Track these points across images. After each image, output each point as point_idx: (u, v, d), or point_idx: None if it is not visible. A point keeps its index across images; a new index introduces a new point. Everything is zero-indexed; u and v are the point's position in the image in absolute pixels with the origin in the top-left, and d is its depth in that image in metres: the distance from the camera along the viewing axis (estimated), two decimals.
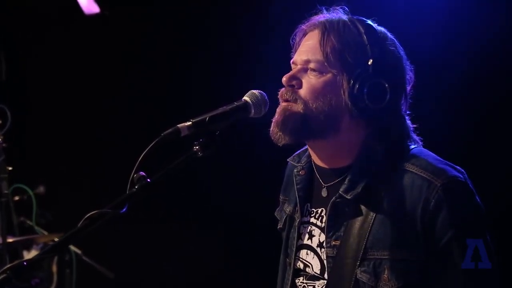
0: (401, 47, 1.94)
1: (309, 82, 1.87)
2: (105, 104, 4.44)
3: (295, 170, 2.03)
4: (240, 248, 4.10)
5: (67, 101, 4.52)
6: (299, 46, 1.95)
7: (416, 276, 1.75)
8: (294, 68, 1.93)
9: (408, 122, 1.94)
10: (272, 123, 1.91)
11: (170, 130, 1.77)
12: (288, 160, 2.14)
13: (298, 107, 1.86)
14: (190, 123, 1.78)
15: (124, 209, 1.71)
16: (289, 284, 1.99)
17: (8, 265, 1.61)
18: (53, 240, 3.84)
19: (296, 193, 1.99)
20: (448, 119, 3.25)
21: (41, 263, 3.77)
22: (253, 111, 1.86)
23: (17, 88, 4.61)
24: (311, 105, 1.85)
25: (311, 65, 1.88)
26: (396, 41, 1.94)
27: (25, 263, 1.62)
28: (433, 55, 3.14)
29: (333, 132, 1.87)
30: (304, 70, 1.90)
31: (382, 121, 1.86)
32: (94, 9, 4.22)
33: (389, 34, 1.94)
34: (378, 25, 1.94)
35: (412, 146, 1.89)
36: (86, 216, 1.69)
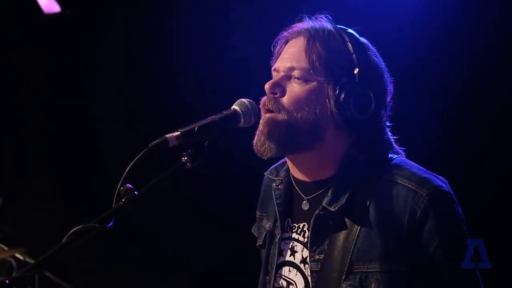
0: (381, 59, 1.93)
1: (293, 90, 1.83)
2: (68, 110, 4.33)
3: (274, 184, 1.97)
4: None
5: (25, 109, 4.39)
6: (280, 53, 1.92)
7: (403, 287, 1.74)
8: (277, 76, 1.88)
9: (389, 133, 1.93)
10: (256, 135, 1.86)
11: (157, 140, 1.72)
12: (265, 173, 2.10)
13: (282, 117, 1.82)
14: (179, 133, 1.73)
15: (111, 224, 1.65)
16: None
17: None
18: (12, 256, 3.70)
19: (276, 208, 1.94)
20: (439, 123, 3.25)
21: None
22: (242, 120, 1.82)
23: None
24: (295, 114, 1.81)
25: (295, 73, 1.84)
26: (377, 53, 1.93)
27: (7, 281, 1.55)
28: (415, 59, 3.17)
29: (318, 142, 1.83)
30: (287, 77, 1.85)
31: (365, 131, 1.84)
32: (55, 8, 4.06)
33: (371, 46, 1.93)
34: (360, 35, 1.93)
35: (394, 156, 1.88)
36: (71, 231, 1.62)
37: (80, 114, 4.33)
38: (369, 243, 1.76)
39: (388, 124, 1.92)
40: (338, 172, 1.84)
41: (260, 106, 1.87)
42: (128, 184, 1.67)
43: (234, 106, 1.83)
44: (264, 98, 1.87)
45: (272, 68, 1.92)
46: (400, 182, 1.78)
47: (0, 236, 3.96)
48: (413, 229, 1.74)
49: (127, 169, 1.68)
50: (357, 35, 1.91)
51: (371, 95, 1.81)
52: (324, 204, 1.82)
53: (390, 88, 1.92)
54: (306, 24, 1.92)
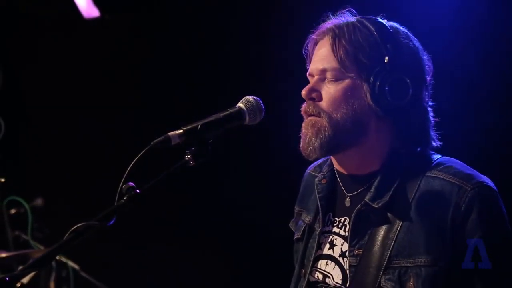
0: (415, 38, 1.90)
1: (329, 92, 1.84)
2: (102, 113, 4.38)
3: (317, 180, 1.99)
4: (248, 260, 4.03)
5: (63, 110, 4.46)
6: (312, 56, 1.93)
7: (442, 281, 1.73)
8: (311, 80, 1.90)
9: (431, 115, 1.90)
10: (301, 139, 1.88)
11: (160, 138, 1.71)
12: (308, 170, 2.13)
13: (324, 121, 1.83)
14: (182, 131, 1.72)
15: (112, 221, 1.65)
16: None
17: None
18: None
19: (318, 201, 1.95)
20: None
21: (37, 279, 3.70)
22: (247, 118, 1.80)
23: (11, 97, 4.54)
24: (335, 115, 1.83)
25: (328, 74, 1.85)
26: (409, 33, 1.90)
27: (7, 278, 1.56)
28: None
29: (362, 138, 1.84)
30: (321, 80, 1.87)
31: (408, 118, 1.83)
32: (94, 13, 4.13)
33: (401, 28, 1.90)
34: (387, 20, 1.90)
35: (438, 156, 1.87)
36: (72, 229, 1.64)
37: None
38: (410, 238, 1.76)
39: (430, 104, 1.90)
40: (382, 168, 1.85)
41: (302, 112, 1.90)
42: (130, 182, 1.67)
43: (239, 104, 1.81)
44: (304, 104, 1.89)
45: (307, 73, 1.93)
46: (444, 178, 1.78)
47: (39, 237, 4.02)
48: (456, 222, 1.73)
49: (129, 167, 1.68)
50: (383, 21, 1.88)
51: (406, 79, 1.79)
52: (366, 200, 1.83)
53: (428, 66, 1.90)
54: (330, 22, 1.91)
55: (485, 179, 1.80)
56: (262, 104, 1.81)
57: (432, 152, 1.89)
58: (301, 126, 1.91)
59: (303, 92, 1.88)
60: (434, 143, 1.89)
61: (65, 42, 4.40)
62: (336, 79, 1.84)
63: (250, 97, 1.81)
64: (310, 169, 2.11)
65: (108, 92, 4.35)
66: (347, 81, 1.83)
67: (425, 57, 1.90)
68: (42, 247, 3.87)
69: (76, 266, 3.85)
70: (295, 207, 2.13)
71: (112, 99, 4.34)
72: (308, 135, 1.85)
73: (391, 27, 1.87)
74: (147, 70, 4.28)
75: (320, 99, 1.85)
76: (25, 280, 3.52)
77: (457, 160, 1.87)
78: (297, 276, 2.02)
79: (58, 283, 3.90)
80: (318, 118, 1.84)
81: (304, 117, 1.89)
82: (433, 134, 1.89)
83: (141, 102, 4.27)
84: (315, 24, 1.96)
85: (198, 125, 1.73)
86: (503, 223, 1.78)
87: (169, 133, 1.71)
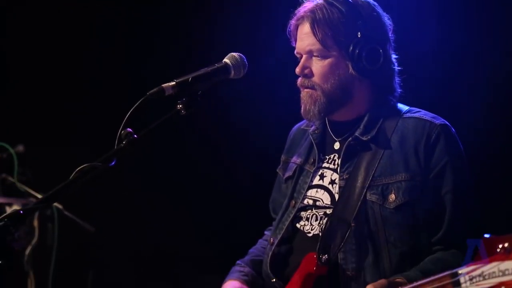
0: (375, 3, 2.25)
1: (317, 68, 2.21)
2: (85, 63, 4.49)
3: (311, 131, 2.35)
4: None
5: (47, 58, 4.54)
6: (296, 37, 2.26)
7: (417, 193, 2.11)
8: (301, 58, 2.24)
9: (395, 66, 2.28)
10: (302, 108, 2.25)
11: (154, 89, 1.93)
12: (296, 127, 2.49)
13: (318, 92, 2.21)
14: (174, 83, 1.94)
15: (113, 163, 1.86)
16: (289, 220, 2.26)
17: (6, 213, 1.74)
18: (35, 197, 3.93)
19: (315, 145, 2.31)
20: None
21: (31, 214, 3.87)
22: (233, 72, 2.03)
23: None
24: (326, 86, 2.20)
25: (314, 53, 2.20)
26: (369, 1, 2.24)
27: (21, 212, 1.74)
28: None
29: (350, 98, 2.23)
30: (309, 57, 2.22)
31: (382, 75, 2.23)
32: None
33: (363, 1, 2.22)
34: None
35: (408, 107, 2.29)
36: (77, 169, 1.82)
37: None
38: (391, 162, 2.15)
39: (394, 57, 2.28)
40: (367, 112, 2.23)
41: (298, 85, 2.26)
42: (128, 129, 1.87)
43: (225, 59, 2.03)
44: (299, 79, 2.25)
45: (295, 51, 2.27)
46: (417, 117, 2.21)
47: (23, 180, 4.18)
48: (427, 147, 2.14)
49: (127, 115, 1.88)
50: (350, 0, 2.19)
51: (379, 48, 2.18)
52: (357, 134, 2.21)
53: (390, 24, 2.26)
54: (305, 6, 2.23)
55: (446, 121, 2.21)
56: (245, 60, 2.04)
57: (401, 104, 2.30)
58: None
59: (297, 69, 2.22)
60: (399, 90, 2.29)
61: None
62: (322, 56, 2.19)
63: (234, 54, 2.04)
64: (300, 125, 2.47)
65: (92, 38, 4.47)
66: (331, 58, 2.18)
67: (386, 18, 2.26)
68: (28, 189, 4.03)
69: (60, 206, 4.04)
70: (282, 156, 2.47)
71: (96, 47, 4.45)
72: (308, 105, 2.21)
73: (357, 3, 2.20)
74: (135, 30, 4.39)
75: (312, 74, 2.21)
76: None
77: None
78: (286, 207, 2.32)
79: (42, 222, 4.09)
80: (313, 91, 2.21)
81: (301, 89, 2.24)
82: (397, 80, 2.29)
83: (127, 62, 4.39)
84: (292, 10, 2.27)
85: (189, 78, 1.95)
86: (462, 152, 2.21)
87: (163, 85, 1.92)
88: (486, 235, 1.59)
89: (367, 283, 2.03)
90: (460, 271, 1.64)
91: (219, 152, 4.34)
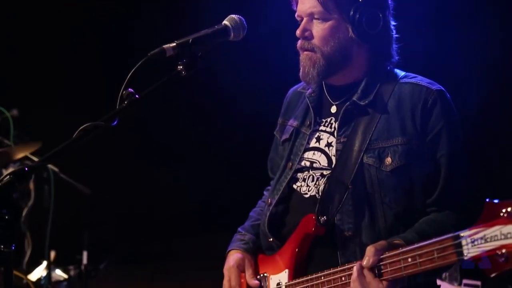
0: None
1: (318, 31, 2.21)
2: (84, 26, 4.48)
3: (307, 94, 2.36)
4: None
5: (41, 21, 4.54)
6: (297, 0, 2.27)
7: (413, 157, 2.15)
8: (301, 21, 2.23)
9: (394, 32, 2.29)
10: (301, 71, 2.25)
11: (156, 50, 1.95)
12: (292, 89, 2.50)
13: (318, 55, 2.21)
14: (175, 44, 1.96)
15: (115, 122, 1.88)
16: (286, 181, 2.30)
17: (12, 170, 1.78)
18: (30, 160, 3.96)
19: (311, 108, 2.33)
20: None
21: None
22: (232, 34, 2.06)
23: None
24: (326, 49, 2.20)
25: (315, 16, 2.21)
26: None
27: (26, 168, 1.76)
28: None
29: (348, 61, 2.24)
30: (310, 20, 2.22)
31: (380, 40, 2.24)
32: None
33: None
34: None
35: (404, 72, 2.30)
36: (80, 128, 1.84)
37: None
38: (388, 126, 2.18)
39: (393, 24, 2.29)
40: (364, 77, 2.25)
41: (298, 48, 2.25)
42: (129, 89, 1.91)
43: (225, 22, 2.05)
44: (299, 42, 2.25)
45: (296, 15, 2.27)
46: (414, 82, 2.23)
47: (18, 143, 4.21)
48: (424, 112, 2.17)
49: (129, 75, 1.91)
50: None
51: (378, 13, 2.20)
52: (354, 99, 2.23)
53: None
54: None
55: (442, 87, 2.23)
56: (245, 22, 2.07)
57: (398, 69, 2.31)
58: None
59: (298, 32, 2.22)
60: (396, 56, 2.30)
61: None
62: (322, 19, 2.19)
63: (234, 16, 2.07)
64: (296, 88, 2.47)
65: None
66: (332, 21, 2.19)
67: None
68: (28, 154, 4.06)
69: (55, 168, 4.08)
70: (279, 119, 2.49)
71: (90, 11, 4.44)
72: (307, 67, 2.22)
73: None
74: None
75: (312, 37, 2.21)
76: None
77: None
78: (283, 169, 2.36)
79: (38, 184, 4.14)
80: (312, 53, 2.21)
81: (300, 52, 2.24)
82: (395, 47, 2.29)
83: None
84: None
85: (189, 39, 1.98)
86: (457, 116, 2.23)
87: (163, 46, 1.95)
88: (490, 200, 1.61)
89: (363, 243, 2.08)
90: (462, 234, 1.67)
91: (212, 116, 4.38)
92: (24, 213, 4.07)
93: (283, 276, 2.20)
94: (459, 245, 1.68)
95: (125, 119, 1.89)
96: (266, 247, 2.33)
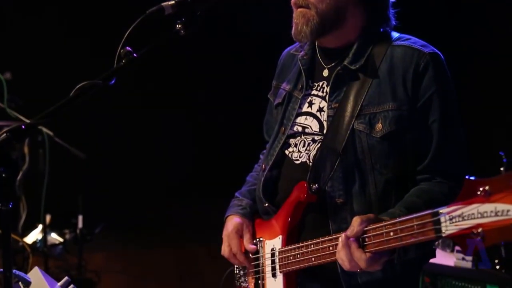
0: None
1: None
2: None
3: (299, 56, 2.32)
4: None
5: None
6: None
7: (404, 123, 2.11)
8: None
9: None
10: (293, 28, 2.18)
11: (154, 8, 1.92)
12: (286, 51, 2.45)
13: (312, 12, 2.15)
14: (174, 2, 1.93)
15: (113, 81, 1.85)
16: (279, 146, 2.28)
17: (8, 128, 1.75)
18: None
19: (303, 71, 2.28)
20: None
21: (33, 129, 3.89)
22: None
23: None
24: (321, 6, 2.14)
25: None
26: None
27: (23, 126, 1.74)
28: None
29: (342, 21, 2.18)
30: None
31: (377, 3, 2.20)
32: None
33: None
34: None
35: (398, 34, 2.24)
36: (77, 86, 1.81)
37: None
38: (379, 91, 2.13)
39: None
40: (357, 40, 2.19)
41: (292, 4, 2.19)
42: (127, 47, 1.88)
43: None
44: None
45: None
46: (406, 45, 2.17)
47: (12, 106, 4.19)
48: (416, 76, 2.12)
49: (126, 33, 1.88)
50: None
51: None
52: (345, 63, 2.18)
53: None
54: None
55: (436, 49, 2.15)
56: None
57: (393, 31, 2.25)
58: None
59: None
60: (393, 22, 2.24)
61: None
62: None
63: None
64: (290, 50, 2.42)
65: None
66: None
67: None
68: (17, 115, 4.06)
69: (50, 132, 4.07)
70: (273, 82, 2.45)
71: None
72: (300, 24, 2.15)
73: None
74: None
75: None
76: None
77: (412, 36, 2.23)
78: (276, 134, 2.34)
79: (33, 147, 4.13)
80: (307, 10, 2.15)
81: (294, 8, 2.18)
82: (392, 12, 2.24)
83: None
84: None
85: None
86: (450, 81, 2.17)
87: (162, 4, 1.92)
88: (468, 177, 1.61)
89: (354, 211, 2.08)
90: (441, 211, 1.65)
91: (211, 78, 4.35)
92: (19, 177, 4.05)
93: (277, 242, 2.22)
94: (438, 222, 1.66)
95: (123, 78, 1.88)
96: (262, 212, 2.33)
